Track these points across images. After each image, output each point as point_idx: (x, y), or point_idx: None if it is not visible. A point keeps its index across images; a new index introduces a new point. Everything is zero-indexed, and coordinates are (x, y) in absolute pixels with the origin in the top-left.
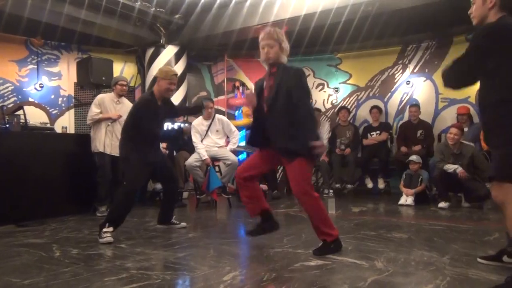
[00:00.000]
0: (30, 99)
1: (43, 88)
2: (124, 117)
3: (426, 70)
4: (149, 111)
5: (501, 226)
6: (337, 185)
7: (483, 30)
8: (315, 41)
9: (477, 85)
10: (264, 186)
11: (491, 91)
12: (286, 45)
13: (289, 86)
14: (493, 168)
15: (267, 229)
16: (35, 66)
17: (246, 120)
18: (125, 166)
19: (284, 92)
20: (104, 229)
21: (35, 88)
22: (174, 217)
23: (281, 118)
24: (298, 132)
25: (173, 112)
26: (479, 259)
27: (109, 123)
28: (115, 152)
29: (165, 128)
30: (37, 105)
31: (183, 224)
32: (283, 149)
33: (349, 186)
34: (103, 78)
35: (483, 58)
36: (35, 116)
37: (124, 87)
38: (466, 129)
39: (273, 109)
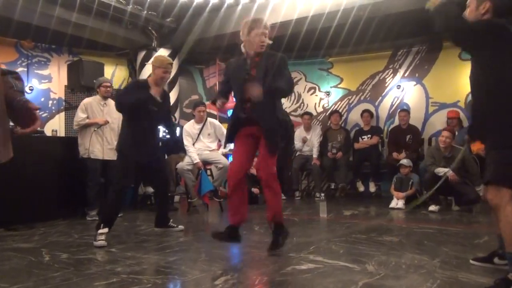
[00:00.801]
0: None
1: (33, 91)
2: (111, 120)
3: (417, 75)
4: (134, 89)
5: (491, 230)
6: (332, 186)
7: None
8: (307, 45)
9: (466, 90)
10: (256, 190)
11: (495, 94)
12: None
13: (273, 72)
14: (490, 171)
15: (232, 239)
16: (25, 69)
17: None
18: (117, 161)
19: (271, 78)
20: (100, 231)
21: (25, 91)
22: (171, 220)
23: (267, 104)
24: (279, 118)
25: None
26: (471, 261)
27: (96, 128)
28: (107, 156)
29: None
30: None
31: (181, 227)
32: (271, 133)
33: (340, 184)
34: (94, 81)
35: (487, 40)
36: None
37: (109, 88)
38: (457, 133)
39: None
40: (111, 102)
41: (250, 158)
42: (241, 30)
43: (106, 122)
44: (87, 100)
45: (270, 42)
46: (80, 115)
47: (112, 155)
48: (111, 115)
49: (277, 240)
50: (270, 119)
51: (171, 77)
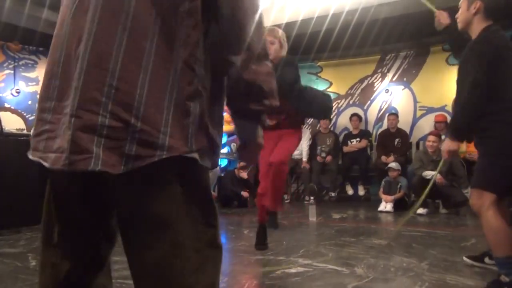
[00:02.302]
0: (6, 105)
1: (20, 94)
2: None
3: (404, 79)
4: None
5: (478, 232)
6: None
7: (477, 48)
8: (296, 49)
9: (453, 94)
10: (245, 194)
11: (486, 105)
12: (285, 44)
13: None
14: (476, 176)
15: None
16: (12, 71)
17: (227, 127)
18: None
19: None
20: None
21: (12, 94)
22: None
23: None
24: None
25: None
26: (464, 258)
27: None
28: None
29: None
30: (14, 111)
31: None
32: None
33: (332, 194)
34: None
35: (489, 69)
36: (11, 122)
37: None
38: (443, 137)
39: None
40: None
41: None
42: None
43: None
44: None
45: (280, 48)
46: None
47: None
48: None
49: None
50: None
51: None
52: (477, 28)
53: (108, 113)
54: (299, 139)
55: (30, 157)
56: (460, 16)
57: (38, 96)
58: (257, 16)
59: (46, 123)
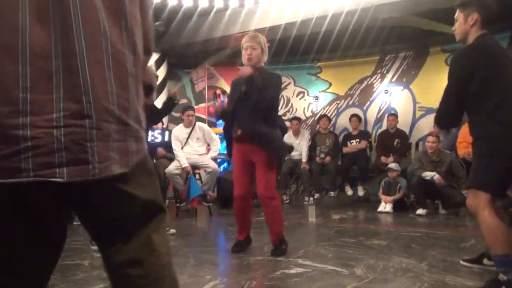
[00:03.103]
0: None
1: None
2: None
3: (404, 80)
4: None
5: (477, 233)
6: (317, 195)
7: (459, 57)
8: (296, 50)
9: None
10: None
11: (480, 106)
12: (266, 49)
13: (266, 88)
14: (471, 177)
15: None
16: None
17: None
18: None
19: (261, 92)
20: None
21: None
22: None
23: (254, 113)
24: (271, 128)
25: (154, 114)
26: (461, 261)
27: None
28: None
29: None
30: None
31: (172, 231)
32: (256, 134)
33: (331, 193)
34: None
35: (467, 83)
36: None
37: None
38: (442, 138)
39: (247, 105)
40: None
41: (250, 176)
42: None
43: None
44: None
45: (262, 56)
46: None
47: None
48: None
49: (279, 248)
50: (255, 132)
51: (159, 81)
52: (472, 38)
53: (115, 118)
54: (273, 158)
55: (7, 181)
56: (458, 29)
57: None
58: None
59: (26, 141)
